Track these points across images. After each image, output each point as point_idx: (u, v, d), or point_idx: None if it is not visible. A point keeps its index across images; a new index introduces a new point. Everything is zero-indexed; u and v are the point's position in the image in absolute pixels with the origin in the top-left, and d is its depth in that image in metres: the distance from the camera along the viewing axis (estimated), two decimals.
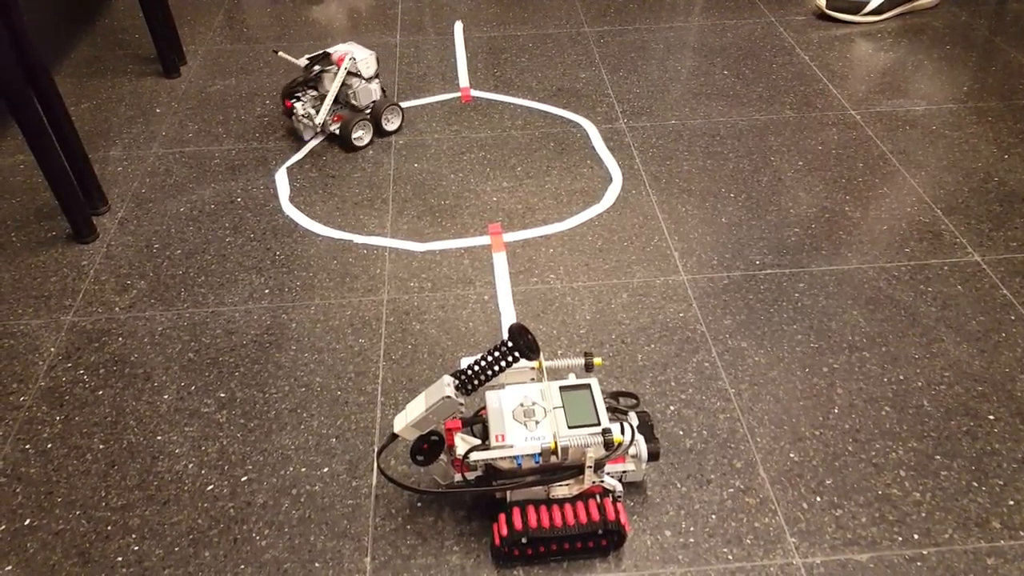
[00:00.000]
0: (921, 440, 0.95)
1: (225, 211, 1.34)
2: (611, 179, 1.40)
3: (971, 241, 1.24)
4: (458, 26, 1.92)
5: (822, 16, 1.90)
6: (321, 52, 1.46)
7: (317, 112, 1.47)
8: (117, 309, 1.15)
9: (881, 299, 1.14)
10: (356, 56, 1.44)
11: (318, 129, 1.48)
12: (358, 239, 1.27)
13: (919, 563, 0.83)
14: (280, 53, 1.50)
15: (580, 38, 1.85)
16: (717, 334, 1.09)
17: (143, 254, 1.25)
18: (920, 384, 1.02)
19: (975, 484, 0.90)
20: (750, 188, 1.37)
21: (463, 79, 1.71)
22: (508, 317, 1.13)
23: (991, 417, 0.97)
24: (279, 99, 1.58)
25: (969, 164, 1.41)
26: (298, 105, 1.49)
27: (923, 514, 0.87)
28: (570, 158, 1.46)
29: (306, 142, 1.51)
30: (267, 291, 1.18)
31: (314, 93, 1.51)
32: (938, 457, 0.93)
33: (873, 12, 1.86)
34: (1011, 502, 0.88)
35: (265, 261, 1.23)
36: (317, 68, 1.47)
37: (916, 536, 0.85)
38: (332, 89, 1.45)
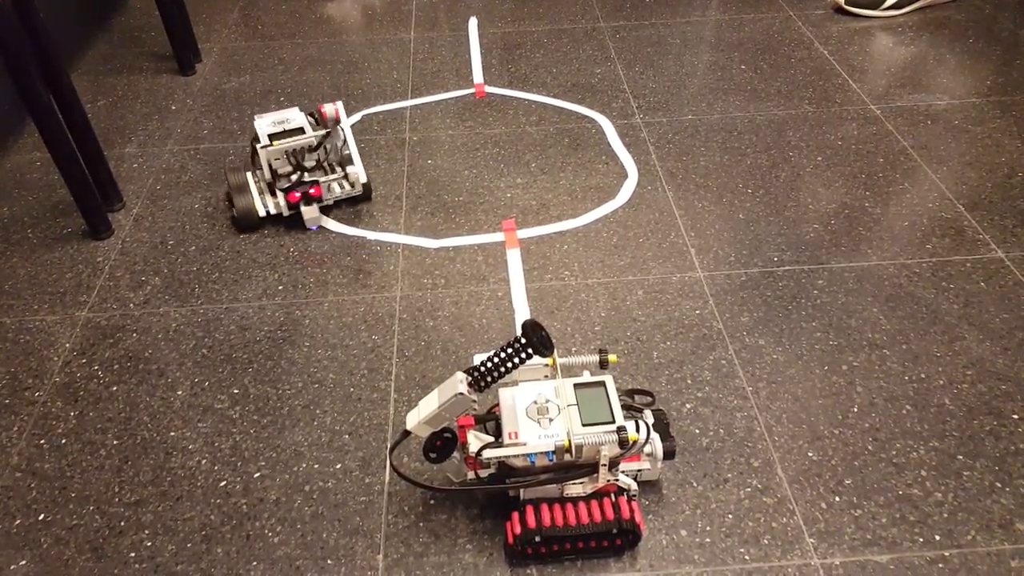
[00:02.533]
0: (943, 439, 0.93)
1: None
2: (627, 175, 1.39)
3: (994, 237, 1.21)
4: (472, 22, 1.91)
5: (840, 11, 1.87)
6: (313, 116, 1.28)
7: (348, 181, 1.29)
8: (131, 305, 1.16)
9: (902, 296, 1.12)
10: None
11: (359, 192, 1.30)
12: (371, 236, 1.27)
13: (940, 565, 0.81)
14: (265, 148, 1.22)
15: (596, 33, 1.84)
16: (734, 331, 1.08)
17: (158, 250, 1.26)
18: (942, 382, 1.00)
19: (999, 485, 0.88)
20: (768, 184, 1.35)
21: (477, 75, 1.70)
22: (522, 314, 1.12)
23: (1015, 416, 0.95)
24: (275, 198, 1.27)
25: (992, 159, 1.38)
26: (334, 186, 1.28)
27: (945, 515, 0.85)
28: (585, 154, 1.44)
29: (314, 230, 1.29)
30: (280, 287, 1.18)
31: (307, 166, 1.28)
32: (960, 457, 0.91)
33: (894, 6, 1.83)
34: None
35: (279, 257, 1.23)
36: (325, 132, 1.25)
37: (938, 537, 0.83)
38: (352, 146, 1.30)
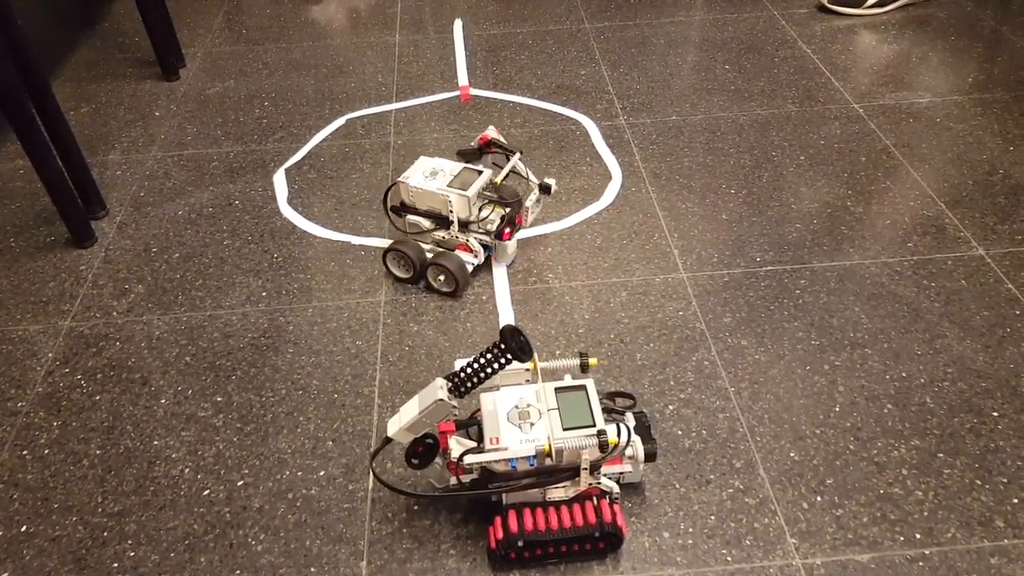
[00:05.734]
0: (924, 438, 0.94)
1: (223, 214, 1.34)
2: (611, 176, 1.39)
3: (975, 235, 1.22)
4: (458, 24, 1.91)
5: (824, 10, 1.88)
6: (488, 145, 1.18)
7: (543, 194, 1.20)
8: (115, 314, 1.15)
9: (883, 295, 1.13)
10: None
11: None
12: (356, 240, 1.27)
13: (921, 563, 0.82)
14: (467, 199, 1.11)
15: (580, 34, 1.84)
16: (717, 332, 1.08)
17: (141, 258, 1.25)
18: (923, 381, 1.00)
19: (978, 482, 0.89)
20: (751, 184, 1.35)
21: (462, 77, 1.70)
22: (506, 317, 1.12)
23: (995, 414, 0.96)
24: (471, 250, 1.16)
25: (974, 157, 1.39)
26: (531, 206, 1.19)
27: (925, 513, 0.86)
28: (569, 156, 1.45)
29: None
30: (264, 294, 1.17)
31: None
32: (941, 455, 0.92)
33: (876, 4, 1.84)
34: (1015, 500, 0.87)
35: (263, 264, 1.23)
36: (516, 154, 1.17)
37: (918, 536, 0.84)
38: (519, 164, 1.18)
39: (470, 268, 1.16)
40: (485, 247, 1.17)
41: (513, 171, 1.18)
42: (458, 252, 1.16)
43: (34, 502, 0.91)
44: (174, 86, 1.71)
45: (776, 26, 1.84)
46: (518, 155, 1.17)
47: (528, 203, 1.18)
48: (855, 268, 1.17)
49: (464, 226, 1.15)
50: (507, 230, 1.15)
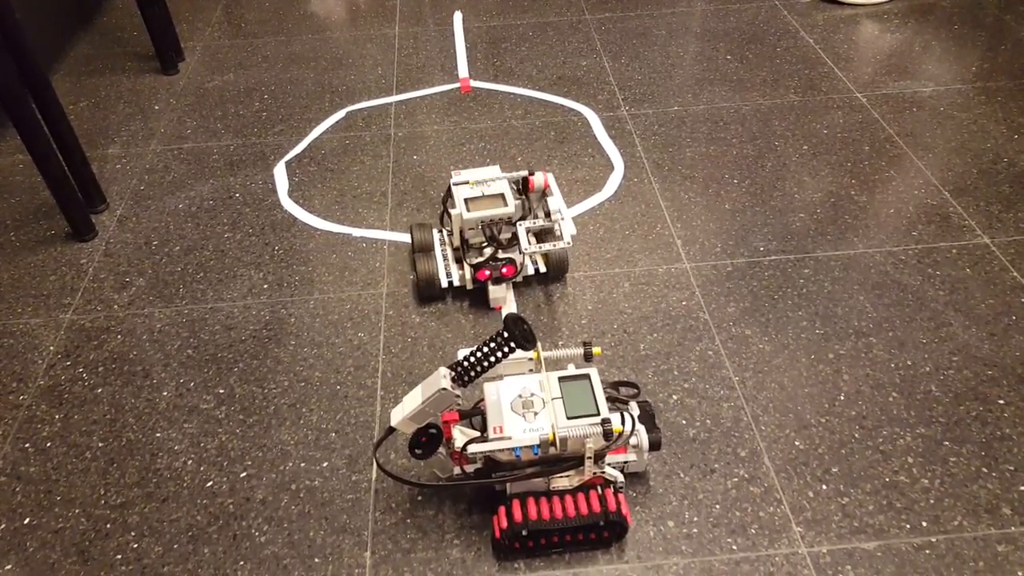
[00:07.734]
0: (929, 426, 0.93)
1: (224, 207, 1.33)
2: (613, 167, 1.38)
3: (980, 223, 1.21)
4: (458, 16, 1.91)
5: None
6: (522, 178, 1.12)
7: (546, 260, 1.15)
8: (116, 307, 1.15)
9: (888, 284, 1.12)
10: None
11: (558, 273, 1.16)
12: (357, 232, 1.26)
13: (927, 551, 0.81)
14: (460, 215, 1.07)
15: (581, 25, 1.83)
16: (720, 322, 1.08)
17: (142, 251, 1.25)
18: (928, 369, 1.00)
19: (985, 470, 0.88)
20: (754, 174, 1.35)
21: (463, 70, 1.69)
22: (508, 308, 1.12)
23: (1001, 401, 0.95)
24: (461, 269, 1.12)
25: (978, 145, 1.38)
26: (528, 264, 1.15)
27: (931, 501, 0.85)
28: (571, 147, 1.44)
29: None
30: (266, 286, 1.17)
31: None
32: (947, 443, 0.91)
33: None
34: (1022, 488, 0.86)
35: (264, 256, 1.23)
36: (530, 212, 1.12)
37: (924, 523, 0.84)
38: (567, 216, 1.14)
39: (444, 283, 1.11)
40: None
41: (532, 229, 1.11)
42: (451, 264, 1.13)
43: (37, 494, 0.90)
44: (173, 80, 1.70)
45: (778, 16, 1.83)
46: (528, 221, 1.10)
47: (517, 258, 1.10)
48: (859, 257, 1.17)
49: (466, 245, 1.11)
50: (485, 271, 1.08)
